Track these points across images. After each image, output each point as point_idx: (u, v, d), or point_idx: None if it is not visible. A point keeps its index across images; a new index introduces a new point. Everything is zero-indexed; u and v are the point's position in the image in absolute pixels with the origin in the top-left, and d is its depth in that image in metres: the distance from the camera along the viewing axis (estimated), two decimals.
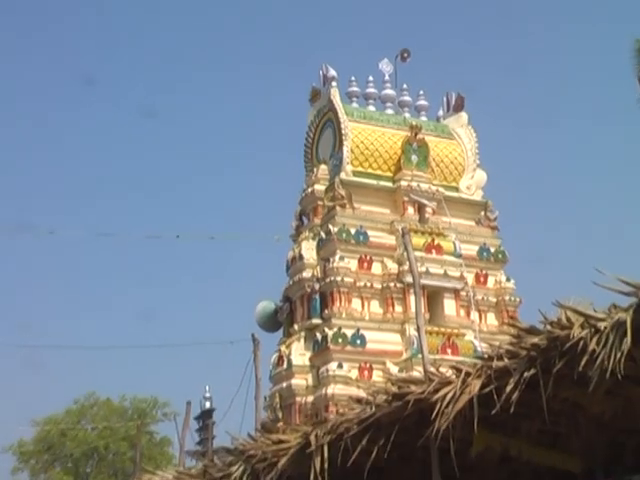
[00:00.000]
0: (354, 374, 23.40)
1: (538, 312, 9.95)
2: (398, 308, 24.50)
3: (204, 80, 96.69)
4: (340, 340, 23.66)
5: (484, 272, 25.96)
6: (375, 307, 24.57)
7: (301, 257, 25.31)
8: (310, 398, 23.74)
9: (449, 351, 23.46)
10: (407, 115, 27.68)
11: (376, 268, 24.82)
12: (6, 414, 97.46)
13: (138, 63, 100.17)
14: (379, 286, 24.63)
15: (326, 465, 12.42)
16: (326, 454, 12.44)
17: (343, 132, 26.09)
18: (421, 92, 28.49)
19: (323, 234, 25.11)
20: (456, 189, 27.04)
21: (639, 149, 73.73)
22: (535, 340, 9.73)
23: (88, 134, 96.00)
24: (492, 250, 26.32)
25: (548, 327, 9.67)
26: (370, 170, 26.21)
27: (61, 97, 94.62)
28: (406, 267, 23.66)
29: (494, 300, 25.73)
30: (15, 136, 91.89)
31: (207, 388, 34.32)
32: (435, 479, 11.80)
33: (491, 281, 25.96)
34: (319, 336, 24.09)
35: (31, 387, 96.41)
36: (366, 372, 23.58)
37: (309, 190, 26.54)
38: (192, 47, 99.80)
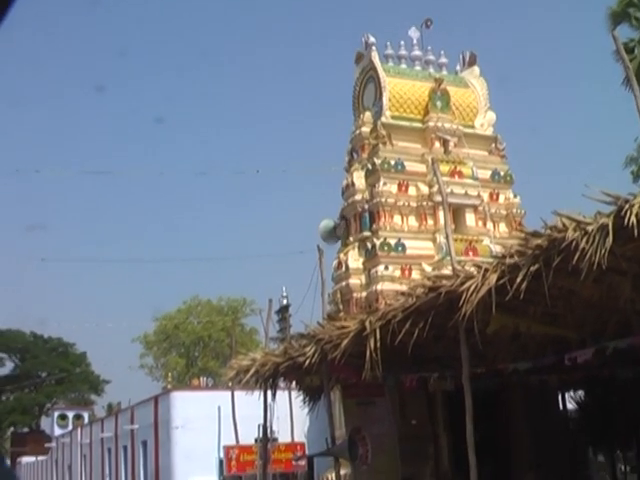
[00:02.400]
0: (397, 274, 23.45)
1: (540, 220, 9.94)
2: (430, 221, 24.47)
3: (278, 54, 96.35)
4: (386, 248, 23.69)
5: (496, 191, 25.81)
6: (412, 221, 24.54)
7: (353, 184, 25.30)
8: (364, 294, 23.84)
9: (471, 254, 23.42)
10: (431, 70, 27.42)
11: (411, 191, 24.76)
12: (134, 313, 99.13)
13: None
14: (414, 205, 24.58)
15: (378, 344, 12.54)
16: (378, 336, 12.55)
17: (382, 86, 25.97)
18: (442, 52, 28.23)
19: (369, 166, 25.06)
20: (472, 127, 26.82)
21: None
22: (538, 241, 9.72)
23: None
24: (502, 174, 26.15)
25: (548, 231, 9.65)
26: (404, 114, 26.07)
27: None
28: (435, 189, 23.60)
29: (504, 213, 25.61)
30: None
31: (284, 289, 34.59)
32: (463, 351, 11.87)
33: (502, 198, 25.82)
34: (369, 245, 24.13)
35: (151, 292, 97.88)
36: (407, 272, 23.61)
37: (357, 132, 26.44)
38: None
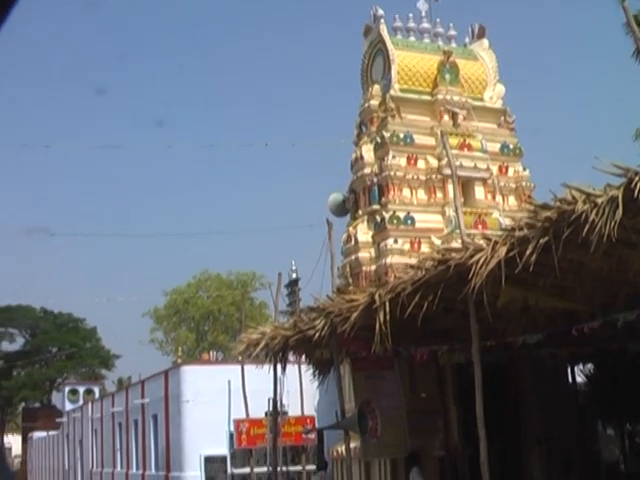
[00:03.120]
0: (407, 247, 23.43)
1: (549, 193, 9.93)
2: (439, 195, 24.41)
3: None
4: (395, 221, 23.67)
5: (505, 164, 25.72)
6: (421, 194, 24.48)
7: (362, 157, 25.23)
8: (373, 267, 23.83)
9: (480, 227, 23.37)
10: (440, 43, 27.25)
11: (420, 164, 24.69)
12: (143, 288, 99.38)
13: None
14: (423, 178, 24.52)
15: (388, 317, 12.57)
16: (387, 309, 12.57)
17: (391, 58, 25.85)
18: (451, 24, 28.00)
19: (378, 139, 24.99)
20: (481, 99, 26.69)
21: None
22: (548, 214, 9.71)
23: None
24: (511, 147, 26.05)
25: (558, 203, 9.64)
26: (413, 87, 25.95)
27: None
28: (444, 162, 23.55)
29: (514, 186, 25.53)
30: None
31: (293, 262, 34.70)
32: (472, 324, 11.89)
33: (511, 171, 25.73)
34: (378, 219, 24.11)
35: (161, 267, 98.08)
36: (416, 245, 23.59)
37: (366, 105, 26.34)
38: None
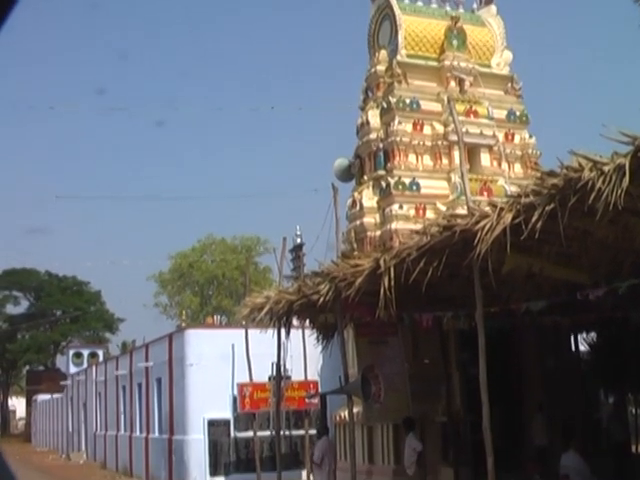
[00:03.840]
0: (412, 213, 23.41)
1: (556, 161, 9.92)
2: (445, 161, 24.36)
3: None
4: (400, 187, 23.64)
5: (511, 131, 25.63)
6: (427, 160, 24.42)
7: (368, 123, 25.15)
8: (378, 233, 23.83)
9: (485, 194, 23.33)
10: (448, 8, 27.07)
11: (427, 130, 24.61)
12: (148, 251, 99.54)
13: None
14: (429, 144, 24.45)
15: (392, 283, 12.60)
16: (392, 274, 12.61)
17: (398, 23, 25.69)
18: None
19: (384, 104, 24.90)
20: (488, 66, 26.56)
21: None
22: (554, 181, 9.71)
23: None
24: (517, 114, 25.95)
25: (564, 171, 9.64)
26: (420, 53, 25.81)
27: None
28: (450, 128, 23.47)
29: (520, 153, 25.45)
30: None
31: (298, 227, 34.64)
32: (477, 290, 11.92)
33: (517, 138, 25.65)
34: (384, 184, 24.08)
35: (166, 230, 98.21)
36: (421, 211, 23.57)
37: (372, 70, 26.22)
38: None
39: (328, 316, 17.85)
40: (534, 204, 9.88)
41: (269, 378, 24.23)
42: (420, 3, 26.89)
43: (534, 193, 10.00)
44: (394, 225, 23.08)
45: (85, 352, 58.97)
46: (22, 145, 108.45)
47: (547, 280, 13.72)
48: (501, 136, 25.24)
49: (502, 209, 10.43)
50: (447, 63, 25.41)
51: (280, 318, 18.27)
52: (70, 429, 49.93)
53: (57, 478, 33.36)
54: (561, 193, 9.56)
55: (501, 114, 25.59)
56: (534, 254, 12.21)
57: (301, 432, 26.10)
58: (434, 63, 25.69)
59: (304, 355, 25.00)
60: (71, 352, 59.55)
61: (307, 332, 22.67)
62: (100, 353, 58.74)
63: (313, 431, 24.68)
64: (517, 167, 25.37)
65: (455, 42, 25.76)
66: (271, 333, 19.48)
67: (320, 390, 25.01)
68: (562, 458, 14.84)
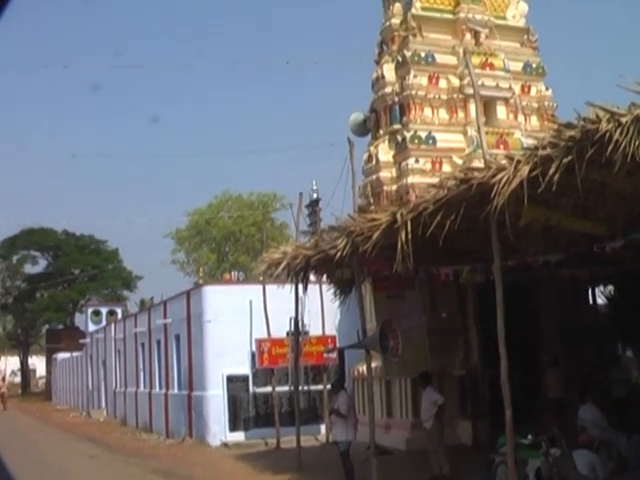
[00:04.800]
0: (428, 167, 23.34)
1: (572, 113, 9.87)
2: (460, 114, 24.23)
3: None
4: (416, 141, 23.55)
5: (528, 84, 25.44)
6: (443, 114, 24.29)
7: (383, 77, 25.02)
8: (394, 187, 23.79)
9: (502, 147, 23.24)
10: None
11: (442, 83, 24.45)
12: (165, 209, 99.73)
13: None
14: (445, 97, 24.31)
15: (409, 236, 12.62)
16: (409, 228, 12.61)
17: None
18: None
19: (399, 58, 24.75)
20: (504, 18, 26.29)
21: None
22: (571, 133, 9.67)
23: None
24: (534, 66, 25.73)
25: (581, 122, 9.59)
26: (435, 5, 25.58)
27: None
28: (466, 81, 23.34)
29: (536, 106, 25.28)
30: None
31: (314, 182, 34.52)
32: (494, 244, 11.93)
33: (533, 91, 25.45)
34: (399, 138, 24.00)
35: (183, 187, 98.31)
36: (437, 165, 23.48)
37: (387, 24, 26.04)
38: None
39: (345, 271, 17.89)
40: (551, 156, 9.85)
41: (287, 333, 24.37)
42: None
43: (551, 145, 9.97)
44: (410, 179, 23.03)
45: (104, 310, 59.33)
46: (37, 101, 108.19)
47: (564, 233, 13.70)
48: (517, 89, 25.06)
49: (519, 162, 10.40)
50: (462, 15, 25.20)
51: (297, 273, 18.35)
52: (90, 387, 50.38)
53: (78, 435, 33.70)
54: (578, 145, 9.53)
55: (517, 66, 25.39)
56: (551, 207, 12.19)
57: (319, 387, 26.27)
58: (449, 16, 25.47)
59: (322, 310, 25.11)
60: (90, 310, 59.92)
61: (324, 287, 22.75)
62: (118, 311, 59.10)
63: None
64: (533, 120, 25.21)
65: None
66: (288, 289, 19.57)
67: (338, 345, 25.14)
68: (579, 411, 14.94)
